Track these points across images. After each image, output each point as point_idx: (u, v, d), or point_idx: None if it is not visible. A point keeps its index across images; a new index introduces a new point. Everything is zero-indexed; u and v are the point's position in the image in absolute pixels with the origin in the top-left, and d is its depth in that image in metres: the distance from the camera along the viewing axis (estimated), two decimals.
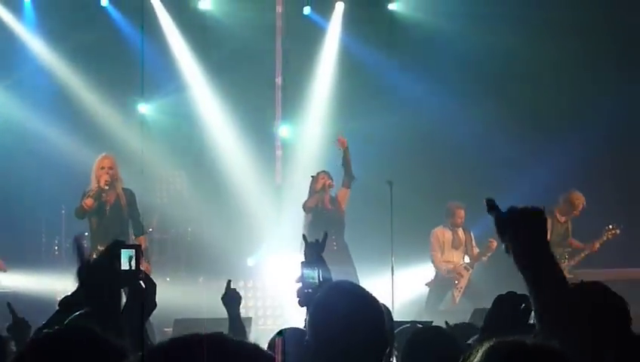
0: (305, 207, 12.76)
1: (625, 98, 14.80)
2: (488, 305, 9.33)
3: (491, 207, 3.23)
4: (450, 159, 15.48)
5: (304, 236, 5.43)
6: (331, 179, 12.83)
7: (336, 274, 8.12)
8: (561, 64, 15.32)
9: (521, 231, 3.13)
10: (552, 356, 2.31)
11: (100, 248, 11.29)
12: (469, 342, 4.82)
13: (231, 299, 5.85)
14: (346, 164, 12.92)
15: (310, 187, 12.85)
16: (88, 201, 11.18)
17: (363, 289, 3.68)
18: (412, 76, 15.90)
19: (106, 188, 11.21)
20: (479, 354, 2.35)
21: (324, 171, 13.00)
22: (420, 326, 8.40)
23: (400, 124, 15.53)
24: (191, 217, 15.88)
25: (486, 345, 2.36)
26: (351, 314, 3.43)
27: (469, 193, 13.68)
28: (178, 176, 16.97)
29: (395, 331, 5.39)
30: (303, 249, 5.14)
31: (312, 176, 12.98)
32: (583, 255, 13.50)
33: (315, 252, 5.25)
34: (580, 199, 13.38)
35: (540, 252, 3.10)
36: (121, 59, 15.67)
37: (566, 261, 13.48)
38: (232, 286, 5.93)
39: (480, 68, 15.53)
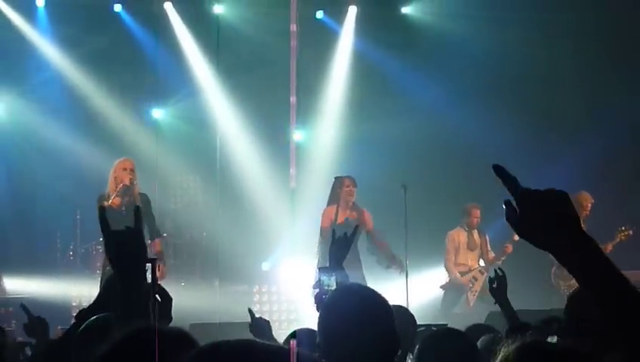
0: (323, 229, 12.09)
1: (621, 114, 14.78)
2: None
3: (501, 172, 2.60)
4: (464, 162, 15.45)
5: (333, 231, 5.43)
6: (355, 186, 12.24)
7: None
8: (575, 65, 15.30)
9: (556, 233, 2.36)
10: (578, 359, 2.29)
11: None
12: (479, 340, 4.81)
13: (258, 328, 5.74)
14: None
15: (332, 192, 12.33)
16: (116, 200, 11.19)
17: (373, 291, 3.68)
18: (426, 79, 15.90)
19: (135, 184, 11.25)
20: (501, 355, 2.33)
21: (349, 178, 12.38)
22: (435, 329, 8.41)
23: (414, 128, 15.52)
24: (205, 222, 15.90)
25: (513, 345, 2.34)
26: (360, 316, 3.43)
27: (483, 196, 13.63)
28: (192, 180, 17.00)
29: None
30: (319, 254, 5.19)
31: (335, 178, 12.47)
32: None
33: (343, 246, 5.26)
34: (587, 200, 13.33)
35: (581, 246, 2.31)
36: (135, 64, 15.71)
37: None
38: (255, 315, 5.86)
39: (493, 70, 15.51)
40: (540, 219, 2.39)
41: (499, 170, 2.59)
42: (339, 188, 12.18)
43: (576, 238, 2.31)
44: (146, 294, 3.23)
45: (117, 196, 11.21)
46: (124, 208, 11.30)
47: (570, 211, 2.38)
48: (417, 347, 4.54)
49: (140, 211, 3.49)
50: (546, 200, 2.44)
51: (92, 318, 4.01)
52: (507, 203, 2.53)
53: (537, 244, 2.38)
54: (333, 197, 12.25)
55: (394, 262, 11.98)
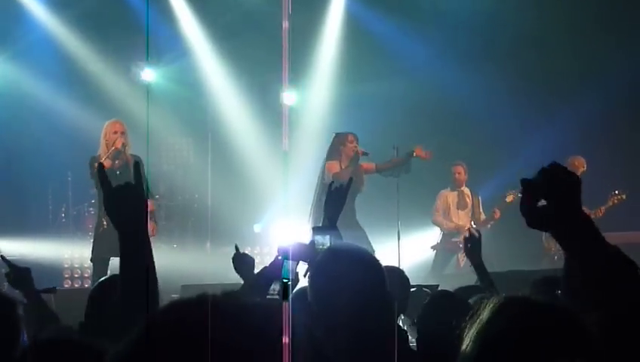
0: (334, 175, 11.57)
1: (637, 59, 14.71)
2: (493, 268, 9.36)
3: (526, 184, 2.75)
4: (458, 123, 15.45)
5: (331, 184, 5.41)
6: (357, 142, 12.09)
7: (347, 239, 8.19)
8: (570, 26, 15.24)
9: (555, 189, 2.65)
10: (564, 315, 2.30)
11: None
12: (470, 301, 4.83)
13: (241, 263, 5.71)
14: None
15: (333, 148, 12.09)
16: (107, 163, 11.15)
17: (363, 251, 3.67)
18: (419, 40, 15.86)
19: (126, 148, 11.23)
20: (486, 310, 2.34)
21: (352, 134, 12.16)
22: (427, 290, 8.44)
23: (406, 89, 15.50)
24: (197, 184, 15.91)
25: (494, 301, 2.35)
26: (350, 276, 3.42)
27: (476, 157, 13.69)
28: (185, 143, 16.99)
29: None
30: (311, 215, 5.19)
31: (336, 134, 12.22)
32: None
33: (338, 201, 5.25)
34: (578, 162, 13.34)
35: (573, 211, 2.62)
36: (125, 25, 15.63)
37: None
38: (240, 251, 5.82)
39: (488, 31, 15.47)
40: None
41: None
42: (341, 144, 12.01)
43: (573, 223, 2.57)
44: (145, 246, 3.30)
45: (108, 159, 11.18)
46: (118, 171, 11.30)
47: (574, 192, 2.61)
48: (423, 309, 4.54)
49: (139, 166, 3.52)
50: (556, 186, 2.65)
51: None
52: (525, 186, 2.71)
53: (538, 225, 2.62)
54: (334, 154, 12.05)
55: (400, 162, 12.04)
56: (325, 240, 4.55)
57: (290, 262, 4.56)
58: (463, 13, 15.52)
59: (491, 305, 2.33)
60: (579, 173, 13.11)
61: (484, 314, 2.32)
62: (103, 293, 4.49)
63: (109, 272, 11.02)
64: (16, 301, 4.09)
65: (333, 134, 12.34)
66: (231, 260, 5.66)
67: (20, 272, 5.59)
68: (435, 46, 15.73)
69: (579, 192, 2.62)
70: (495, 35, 15.47)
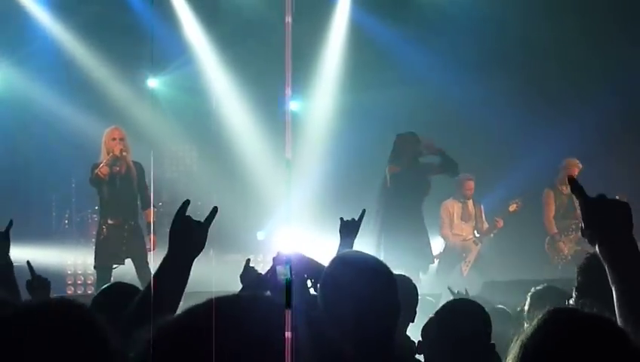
0: (392, 177, 11.76)
1: (633, 71, 14.70)
2: (497, 278, 9.41)
3: (575, 185, 2.98)
4: (461, 132, 15.44)
5: (341, 218, 5.48)
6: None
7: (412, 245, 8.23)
8: (575, 35, 15.23)
9: (612, 226, 2.86)
10: (605, 327, 2.30)
11: (110, 221, 11.34)
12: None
13: (246, 277, 5.79)
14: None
15: (394, 150, 11.97)
16: (104, 169, 11.19)
17: (372, 259, 3.66)
18: (423, 49, 15.85)
19: (124, 155, 11.24)
20: (534, 323, 2.34)
21: (414, 133, 12.01)
22: (431, 298, 8.44)
23: (410, 97, 15.51)
24: (201, 191, 15.91)
25: (542, 314, 2.36)
26: (359, 284, 3.41)
27: (479, 167, 13.68)
28: (188, 150, 17.00)
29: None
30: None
31: (398, 135, 12.07)
32: None
33: (352, 229, 5.32)
34: (572, 165, 13.33)
35: (629, 248, 2.84)
36: (131, 32, 15.64)
37: (573, 233, 13.47)
38: (250, 264, 5.89)
39: (493, 41, 15.46)
40: (604, 223, 2.86)
41: (574, 184, 2.97)
42: (403, 145, 11.92)
43: (625, 245, 2.82)
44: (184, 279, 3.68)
45: (105, 165, 11.20)
46: (117, 178, 11.31)
47: (628, 221, 2.86)
48: (438, 314, 4.54)
49: (215, 210, 3.84)
50: (613, 209, 2.88)
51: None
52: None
53: (594, 240, 2.86)
54: (396, 156, 11.95)
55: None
56: (286, 270, 4.54)
57: (287, 269, 4.56)
58: (468, 22, 15.51)
59: (538, 318, 2.34)
60: (575, 174, 13.20)
61: (529, 327, 2.33)
62: (106, 300, 4.51)
63: (112, 279, 11.05)
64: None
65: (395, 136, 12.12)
66: (238, 275, 5.75)
67: (41, 281, 5.69)
68: (439, 55, 15.72)
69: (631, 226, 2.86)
70: (499, 44, 15.47)
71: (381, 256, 11.52)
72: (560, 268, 13.16)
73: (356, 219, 5.47)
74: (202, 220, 3.81)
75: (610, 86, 14.69)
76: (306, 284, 4.24)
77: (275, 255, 4.66)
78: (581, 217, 2.91)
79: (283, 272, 4.39)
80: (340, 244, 5.34)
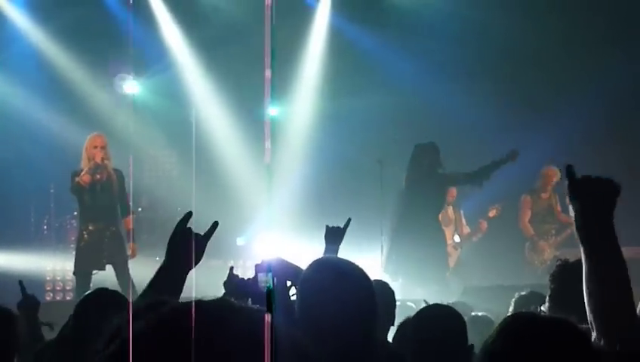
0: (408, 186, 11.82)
1: (619, 73, 14.72)
2: (477, 283, 9.42)
3: (570, 172, 3.03)
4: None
5: (327, 226, 5.48)
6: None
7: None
8: (557, 39, 15.27)
9: (589, 200, 2.92)
10: (565, 329, 2.30)
11: (91, 227, 11.31)
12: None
13: (229, 285, 5.78)
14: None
15: (412, 159, 11.97)
16: (85, 178, 11.16)
17: (349, 263, 3.66)
18: (402, 54, 15.87)
19: (105, 163, 11.21)
20: (496, 327, 2.36)
21: (434, 144, 12.04)
22: (411, 304, 8.43)
23: (391, 103, 15.51)
24: (180, 197, 15.87)
25: (503, 319, 2.38)
26: (336, 288, 3.40)
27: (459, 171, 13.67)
28: (167, 155, 16.95)
29: None
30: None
31: (416, 145, 12.07)
32: (570, 231, 13.48)
33: (335, 238, 5.32)
34: (550, 173, 13.38)
35: (603, 226, 2.85)
36: (110, 37, 15.61)
37: (553, 237, 13.51)
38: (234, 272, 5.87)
39: (472, 46, 15.49)
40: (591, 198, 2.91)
41: (569, 171, 3.04)
42: (420, 155, 11.92)
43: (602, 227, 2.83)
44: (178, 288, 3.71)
45: (87, 173, 11.18)
46: (98, 185, 11.29)
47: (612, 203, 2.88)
48: (414, 320, 4.55)
49: (216, 225, 4.03)
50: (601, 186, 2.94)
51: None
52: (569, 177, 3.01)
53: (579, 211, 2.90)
54: (413, 165, 11.94)
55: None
56: (268, 278, 4.51)
57: (269, 277, 4.54)
58: (448, 27, 15.53)
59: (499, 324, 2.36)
60: (552, 181, 13.22)
61: (491, 334, 2.34)
62: (87, 306, 4.49)
63: (91, 285, 11.02)
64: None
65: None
66: (218, 280, 5.73)
67: (30, 301, 5.71)
68: (419, 60, 15.74)
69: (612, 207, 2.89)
70: (480, 48, 15.49)
71: (391, 264, 11.62)
72: (539, 273, 13.19)
73: (341, 226, 5.47)
74: (177, 224, 3.83)
75: (593, 89, 14.71)
76: (287, 290, 4.23)
77: (257, 262, 4.64)
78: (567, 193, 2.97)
79: (264, 280, 4.37)
80: (325, 251, 5.34)
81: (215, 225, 3.94)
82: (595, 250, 2.77)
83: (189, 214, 3.79)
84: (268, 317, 1.48)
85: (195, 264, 3.82)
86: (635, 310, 2.62)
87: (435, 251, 11.62)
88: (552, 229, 13.54)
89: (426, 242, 11.44)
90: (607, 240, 2.79)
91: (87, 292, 5.00)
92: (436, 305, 5.06)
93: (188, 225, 3.87)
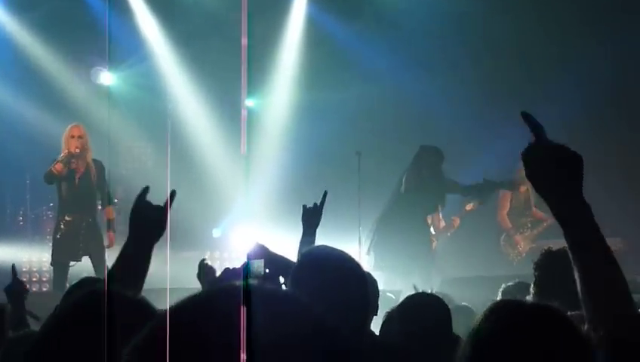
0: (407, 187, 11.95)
1: (598, 65, 14.76)
2: (453, 275, 9.43)
3: (527, 118, 2.82)
4: (419, 129, 15.48)
5: (304, 206, 5.46)
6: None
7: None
8: (535, 31, 15.28)
9: (557, 172, 2.67)
10: (552, 317, 2.32)
11: (68, 218, 11.29)
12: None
13: (207, 278, 5.79)
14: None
15: (415, 159, 12.05)
16: (58, 166, 11.17)
17: (342, 254, 3.64)
18: (380, 46, 15.86)
19: (77, 152, 11.20)
20: (482, 315, 2.36)
21: (437, 149, 12.07)
22: (391, 295, 8.46)
23: (369, 95, 15.52)
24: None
25: (487, 307, 2.38)
26: (332, 279, 3.38)
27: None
28: (144, 147, 16.90)
29: None
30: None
31: (421, 146, 12.15)
32: (545, 224, 13.53)
33: (314, 215, 5.29)
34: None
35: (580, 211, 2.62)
36: (87, 28, 15.53)
37: (528, 230, 13.56)
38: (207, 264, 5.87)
39: (449, 39, 15.50)
40: (551, 173, 2.69)
41: (526, 117, 2.89)
42: (422, 157, 12.00)
43: (573, 202, 2.62)
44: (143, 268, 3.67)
45: (59, 163, 11.17)
46: (76, 176, 11.27)
47: (578, 175, 2.70)
48: (399, 309, 4.56)
49: (174, 194, 3.94)
50: (562, 159, 2.74)
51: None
52: (536, 134, 2.84)
53: (540, 191, 2.68)
54: (414, 166, 12.06)
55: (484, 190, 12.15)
56: (260, 267, 4.50)
57: (261, 264, 4.53)
58: (426, 19, 15.52)
59: (484, 311, 2.36)
60: (526, 185, 13.29)
61: (478, 318, 2.35)
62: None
63: (68, 276, 11.01)
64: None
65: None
66: (195, 273, 5.74)
67: (18, 285, 5.69)
68: (396, 51, 15.74)
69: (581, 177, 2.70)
70: (458, 41, 15.50)
71: (376, 257, 11.72)
72: (515, 265, 13.24)
73: (318, 204, 5.45)
74: (135, 200, 3.83)
75: (572, 81, 14.73)
76: (277, 279, 4.22)
77: (243, 251, 4.64)
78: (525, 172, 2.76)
79: (258, 265, 4.36)
80: (303, 234, 5.31)
81: (173, 194, 3.89)
82: (576, 234, 2.61)
83: (146, 189, 3.77)
84: (243, 310, 1.47)
85: (158, 237, 3.73)
86: (628, 296, 2.56)
87: (420, 249, 11.70)
88: (528, 223, 13.60)
89: (413, 240, 11.52)
90: (585, 221, 2.61)
91: (75, 283, 4.99)
92: (421, 294, 5.07)
93: (147, 200, 3.84)
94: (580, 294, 2.52)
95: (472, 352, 2.29)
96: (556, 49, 15.23)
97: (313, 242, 5.17)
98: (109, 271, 3.74)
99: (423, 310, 4.50)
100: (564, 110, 14.36)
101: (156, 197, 4.02)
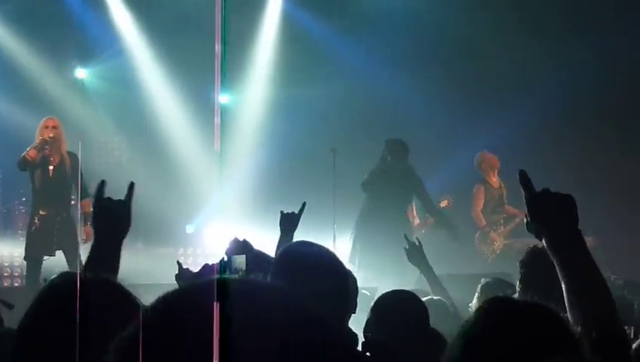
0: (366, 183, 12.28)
1: (571, 65, 14.80)
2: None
3: (524, 178, 3.02)
4: (393, 127, 15.48)
5: (281, 212, 5.48)
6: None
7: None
8: (512, 30, 15.31)
9: (557, 219, 2.89)
10: (543, 314, 2.32)
11: (42, 212, 11.25)
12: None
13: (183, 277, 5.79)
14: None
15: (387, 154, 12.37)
16: (31, 152, 11.15)
17: (323, 249, 3.62)
18: (355, 43, 15.86)
19: (51, 139, 11.15)
20: (475, 312, 2.36)
21: (390, 141, 12.48)
22: (366, 292, 8.44)
23: (344, 93, 15.51)
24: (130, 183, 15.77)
25: (479, 305, 2.38)
26: (314, 273, 3.37)
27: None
28: (117, 142, 16.83)
29: None
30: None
31: (390, 140, 12.55)
32: (518, 220, 13.56)
33: (291, 224, 5.31)
34: (485, 158, 13.55)
35: (575, 242, 2.85)
36: (60, 23, 15.47)
37: (501, 227, 13.59)
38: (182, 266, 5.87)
39: (424, 35, 15.50)
40: (550, 217, 2.89)
41: (523, 177, 3.03)
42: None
43: (571, 238, 2.84)
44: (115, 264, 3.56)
45: (33, 148, 11.14)
46: (50, 168, 11.22)
47: (573, 214, 2.88)
48: (374, 307, 4.55)
49: (132, 186, 3.81)
50: (558, 203, 2.91)
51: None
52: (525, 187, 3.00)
53: (540, 235, 2.89)
54: (380, 161, 12.36)
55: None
56: (242, 263, 4.46)
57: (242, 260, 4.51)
58: (402, 17, 15.52)
59: (476, 309, 2.36)
60: (496, 168, 13.32)
61: (469, 316, 2.35)
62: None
63: (42, 271, 10.97)
64: None
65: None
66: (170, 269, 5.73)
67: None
68: (371, 49, 15.75)
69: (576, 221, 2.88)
70: (432, 39, 15.51)
71: (355, 254, 11.79)
72: (490, 262, 13.27)
73: (296, 212, 5.47)
74: (95, 197, 3.79)
75: (547, 79, 14.79)
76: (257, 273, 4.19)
77: (227, 246, 4.60)
78: (527, 210, 2.93)
79: (239, 262, 4.32)
80: (280, 238, 5.33)
81: (132, 185, 3.80)
82: (571, 268, 2.80)
83: (103, 183, 3.71)
84: (217, 307, 1.45)
85: (125, 230, 3.66)
86: (611, 302, 2.70)
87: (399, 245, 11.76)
88: (501, 219, 13.63)
89: (391, 236, 11.56)
90: (580, 253, 2.82)
91: (53, 277, 4.95)
92: (395, 291, 5.07)
93: (106, 196, 3.76)
94: (567, 305, 2.65)
95: (464, 349, 2.28)
96: (531, 48, 15.26)
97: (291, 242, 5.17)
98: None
99: (398, 306, 4.49)
100: (542, 107, 14.42)
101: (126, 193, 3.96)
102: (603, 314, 2.68)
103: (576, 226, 2.86)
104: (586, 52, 14.63)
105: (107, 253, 3.56)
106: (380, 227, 11.65)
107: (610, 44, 14.59)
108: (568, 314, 2.62)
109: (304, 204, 5.54)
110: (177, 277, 5.68)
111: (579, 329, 2.47)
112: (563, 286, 2.76)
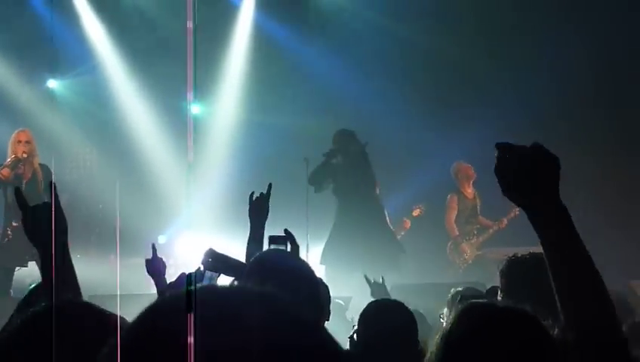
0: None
1: (537, 73, 14.88)
2: (404, 280, 9.37)
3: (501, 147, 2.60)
4: (365, 136, 15.51)
5: (251, 194, 5.43)
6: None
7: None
8: (482, 40, 15.39)
9: (529, 188, 2.49)
10: (524, 318, 2.33)
11: (15, 223, 11.23)
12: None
13: (153, 265, 5.77)
14: None
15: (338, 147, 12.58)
16: (4, 171, 11.12)
17: (292, 259, 3.63)
18: (326, 53, 15.90)
19: (24, 157, 11.15)
20: (452, 317, 2.36)
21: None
22: (340, 301, 8.46)
23: (317, 103, 15.54)
24: (102, 195, 15.73)
25: (459, 308, 2.38)
26: (283, 284, 3.38)
27: (383, 171, 13.74)
28: (89, 153, 16.79)
29: None
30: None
31: (340, 131, 12.75)
32: (491, 231, 13.62)
33: (260, 209, 5.26)
34: (461, 168, 13.60)
35: (557, 219, 2.45)
36: (33, 36, 15.44)
37: (475, 238, 13.63)
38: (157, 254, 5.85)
39: (397, 46, 15.57)
40: (525, 184, 2.50)
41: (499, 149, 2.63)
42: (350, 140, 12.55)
43: (549, 203, 2.46)
44: (68, 268, 3.51)
45: (6, 167, 11.12)
46: (23, 182, 11.20)
47: (553, 178, 2.49)
48: (361, 316, 4.56)
49: (55, 187, 3.67)
50: (536, 164, 2.53)
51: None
52: (500, 149, 2.63)
53: (517, 203, 2.53)
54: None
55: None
56: (214, 278, 4.46)
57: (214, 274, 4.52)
58: (372, 28, 15.59)
59: (455, 313, 2.36)
60: (472, 178, 13.34)
61: (448, 321, 2.35)
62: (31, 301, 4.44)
63: (13, 282, 10.95)
64: None
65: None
66: (144, 266, 5.73)
67: None
68: (343, 59, 15.79)
69: (557, 178, 2.50)
70: (405, 49, 15.57)
71: (332, 252, 11.83)
72: (461, 272, 13.31)
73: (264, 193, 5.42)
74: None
75: (518, 88, 14.87)
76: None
77: (201, 257, 4.58)
78: (498, 177, 2.56)
79: (211, 276, 4.34)
80: (251, 230, 5.26)
81: (52, 185, 3.69)
82: (551, 250, 2.46)
83: (18, 189, 3.66)
84: (191, 317, 1.46)
85: (62, 234, 3.62)
86: (605, 295, 2.43)
87: (379, 230, 11.84)
88: (474, 230, 13.67)
89: (369, 222, 11.67)
90: (562, 228, 2.45)
91: (31, 287, 4.97)
92: (382, 300, 5.07)
93: (27, 205, 3.70)
94: (556, 295, 2.43)
95: (444, 353, 2.30)
96: (502, 58, 15.34)
97: (262, 239, 5.13)
98: (39, 285, 3.66)
99: (387, 316, 4.50)
100: (510, 121, 14.47)
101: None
102: (597, 315, 2.43)
103: (553, 196, 2.48)
104: (568, 56, 14.73)
105: (53, 259, 3.46)
106: (358, 216, 11.74)
107: (597, 42, 14.69)
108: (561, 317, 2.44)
109: (270, 185, 5.49)
110: (149, 263, 5.65)
111: (573, 334, 2.40)
112: (550, 275, 2.44)
